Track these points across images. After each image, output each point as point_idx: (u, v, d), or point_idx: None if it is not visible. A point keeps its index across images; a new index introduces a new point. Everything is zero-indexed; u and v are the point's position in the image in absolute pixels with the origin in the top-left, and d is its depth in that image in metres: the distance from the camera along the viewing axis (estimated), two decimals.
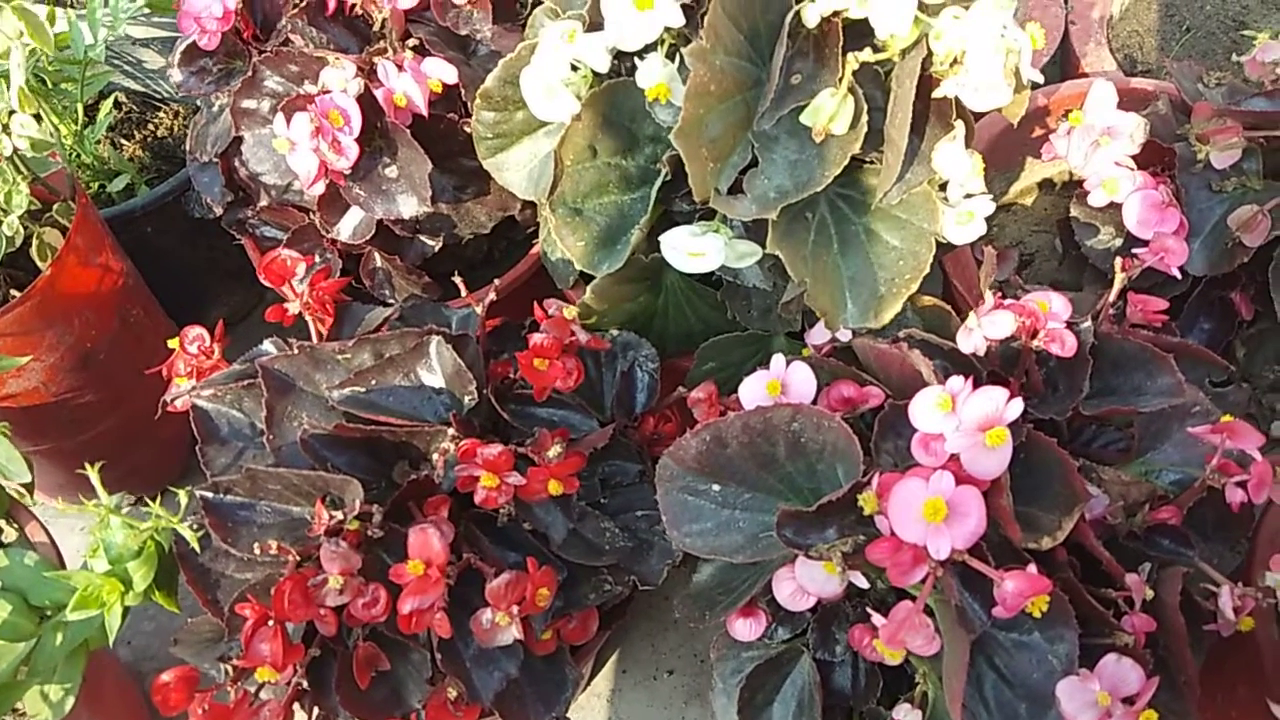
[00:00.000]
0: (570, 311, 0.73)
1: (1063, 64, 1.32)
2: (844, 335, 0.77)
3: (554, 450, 0.65)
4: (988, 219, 1.19)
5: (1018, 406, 0.61)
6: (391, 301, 1.01)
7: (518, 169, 0.85)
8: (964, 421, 0.60)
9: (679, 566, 0.77)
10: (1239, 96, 0.91)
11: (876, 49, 0.68)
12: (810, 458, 0.67)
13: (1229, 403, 0.79)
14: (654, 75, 0.69)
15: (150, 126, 1.31)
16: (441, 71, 0.87)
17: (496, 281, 0.80)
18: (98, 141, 1.18)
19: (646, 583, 0.75)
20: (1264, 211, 0.82)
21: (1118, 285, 0.75)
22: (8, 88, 0.84)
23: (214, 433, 0.76)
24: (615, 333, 0.82)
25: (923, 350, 0.72)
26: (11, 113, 0.85)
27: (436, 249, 0.99)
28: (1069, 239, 1.01)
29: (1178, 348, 0.72)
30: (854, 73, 0.68)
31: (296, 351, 0.73)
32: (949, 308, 0.79)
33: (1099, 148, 0.85)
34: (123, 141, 1.28)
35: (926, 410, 0.62)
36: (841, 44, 0.68)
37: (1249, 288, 0.88)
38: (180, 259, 1.23)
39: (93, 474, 0.69)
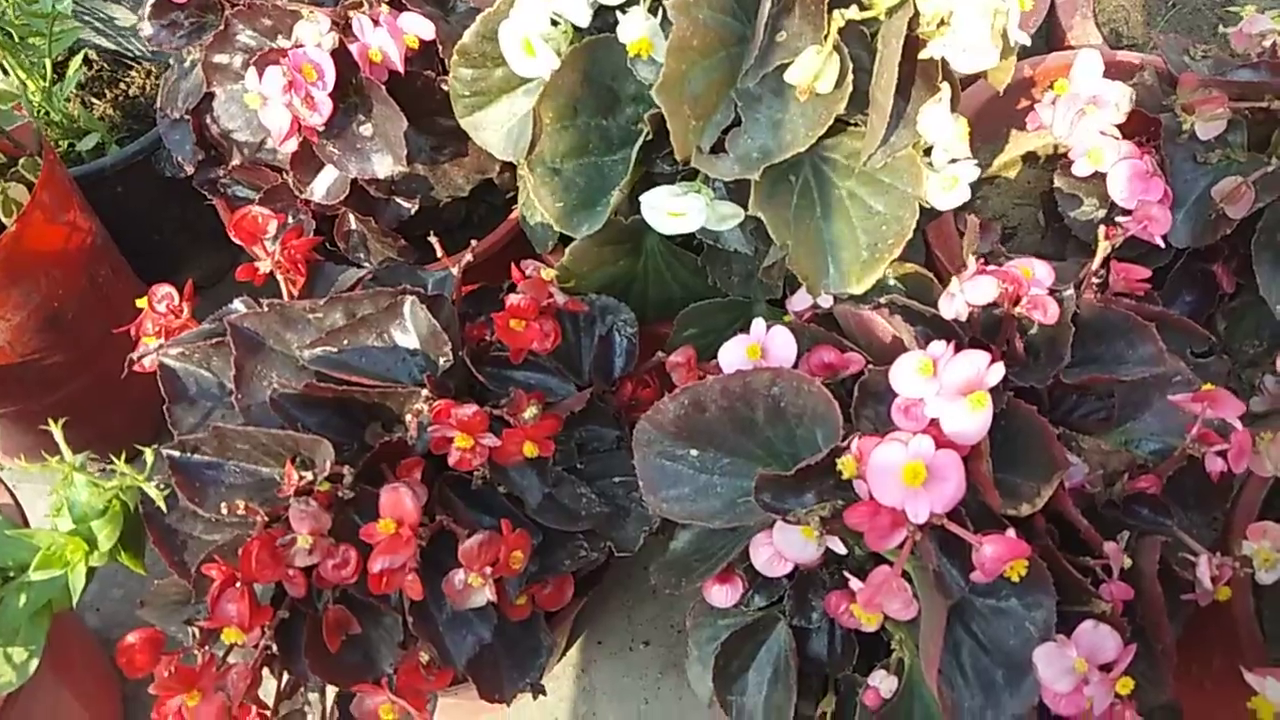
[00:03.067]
0: (548, 273, 0.72)
1: (1049, 37, 1.31)
2: (825, 302, 0.76)
3: (530, 412, 0.64)
4: (972, 189, 1.19)
5: (999, 371, 0.60)
6: (366, 265, 1.00)
7: (496, 128, 0.84)
8: (945, 385, 0.59)
9: (656, 534, 0.76)
10: (1225, 68, 0.91)
11: (863, 7, 0.67)
12: (790, 422, 0.66)
13: (1210, 373, 0.78)
14: (636, 29, 0.68)
15: (121, 85, 1.28)
16: (418, 27, 0.86)
17: (474, 243, 0.78)
18: (67, 99, 1.15)
19: (623, 549, 0.74)
20: (1248, 183, 0.81)
21: (1101, 253, 0.74)
22: None
23: (182, 392, 0.74)
24: (594, 296, 0.80)
25: (904, 316, 0.72)
26: None
27: (413, 212, 0.97)
28: (1052, 212, 1.00)
29: (1160, 317, 0.72)
30: (839, 31, 0.67)
31: (267, 309, 0.71)
32: (931, 275, 0.79)
33: (1084, 116, 0.84)
34: (93, 100, 1.25)
35: (908, 374, 0.62)
36: (827, 1, 0.66)
37: (1231, 260, 0.88)
38: (151, 220, 1.21)
39: (56, 430, 0.67)
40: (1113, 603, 0.63)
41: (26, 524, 0.79)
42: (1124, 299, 0.73)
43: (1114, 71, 1.11)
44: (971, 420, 0.59)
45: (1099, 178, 0.85)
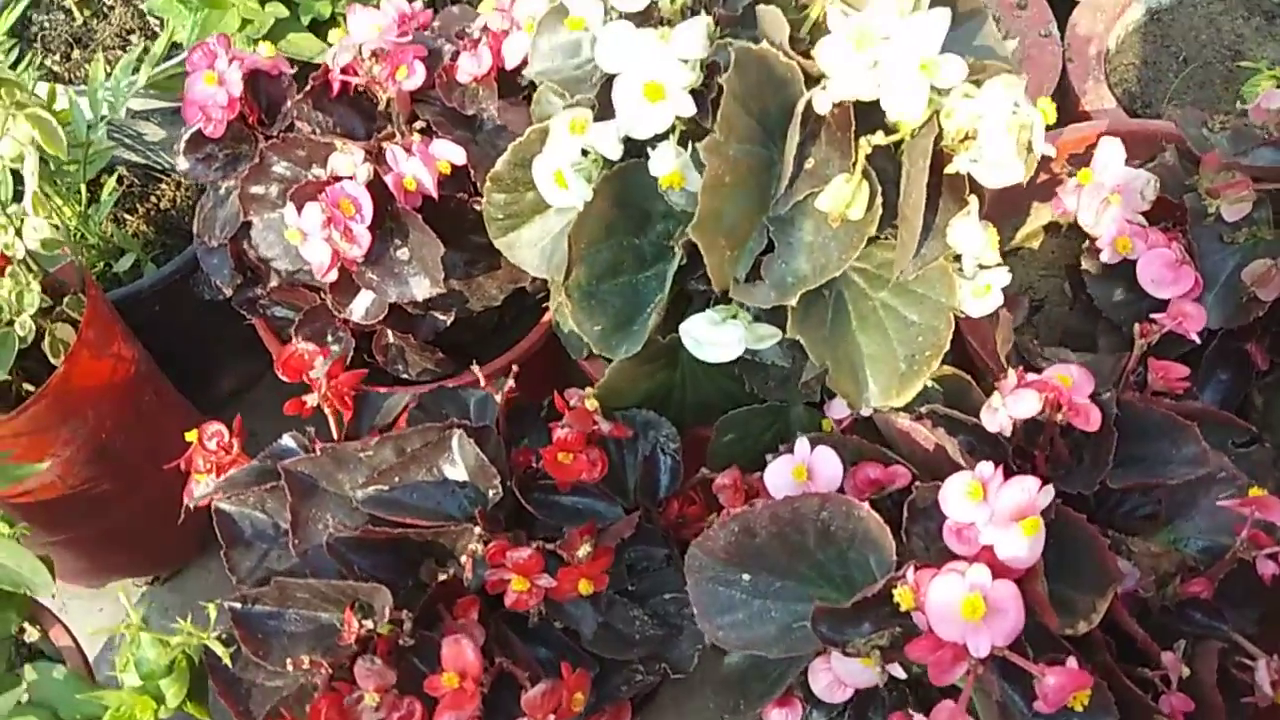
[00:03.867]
0: (592, 403, 0.73)
1: (1062, 102, 1.32)
2: (866, 410, 0.76)
3: (584, 550, 0.65)
4: None
5: (1050, 494, 0.61)
6: (406, 376, 1.02)
7: (530, 247, 0.85)
8: (996, 512, 0.60)
9: (709, 649, 0.77)
10: (1245, 145, 0.91)
11: (888, 131, 0.68)
12: (841, 545, 0.66)
13: (1252, 461, 0.78)
14: (668, 164, 0.69)
15: (153, 199, 1.30)
16: (450, 153, 0.87)
17: (514, 368, 0.79)
18: (101, 223, 1.17)
19: (678, 670, 0.74)
20: (1278, 265, 0.82)
21: (1137, 352, 0.75)
22: (14, 187, 0.84)
23: (238, 535, 0.75)
24: (635, 411, 0.81)
25: (946, 427, 0.73)
26: (24, 217, 0.84)
27: (449, 323, 0.99)
28: (1079, 285, 1.00)
29: (1201, 415, 0.72)
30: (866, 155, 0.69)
31: (319, 453, 0.72)
32: (968, 377, 0.79)
33: (1109, 206, 0.85)
34: (126, 216, 1.28)
35: (957, 498, 0.62)
36: (854, 128, 0.68)
37: (1264, 338, 0.88)
38: (188, 334, 1.23)
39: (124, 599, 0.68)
40: (1173, 715, 0.63)
41: (89, 667, 0.80)
42: (1163, 398, 0.73)
43: (1132, 141, 1.13)
44: (1025, 546, 0.60)
45: (1129, 263, 0.86)
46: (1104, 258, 0.87)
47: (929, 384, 0.81)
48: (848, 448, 0.74)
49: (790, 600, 0.68)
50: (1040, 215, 1.15)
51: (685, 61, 0.68)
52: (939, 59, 0.62)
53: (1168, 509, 0.72)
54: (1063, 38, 1.36)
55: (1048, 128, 1.14)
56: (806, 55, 0.69)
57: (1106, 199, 0.86)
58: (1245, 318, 0.84)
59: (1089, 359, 0.83)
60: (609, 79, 0.70)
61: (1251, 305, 0.84)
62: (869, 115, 0.68)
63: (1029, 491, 0.60)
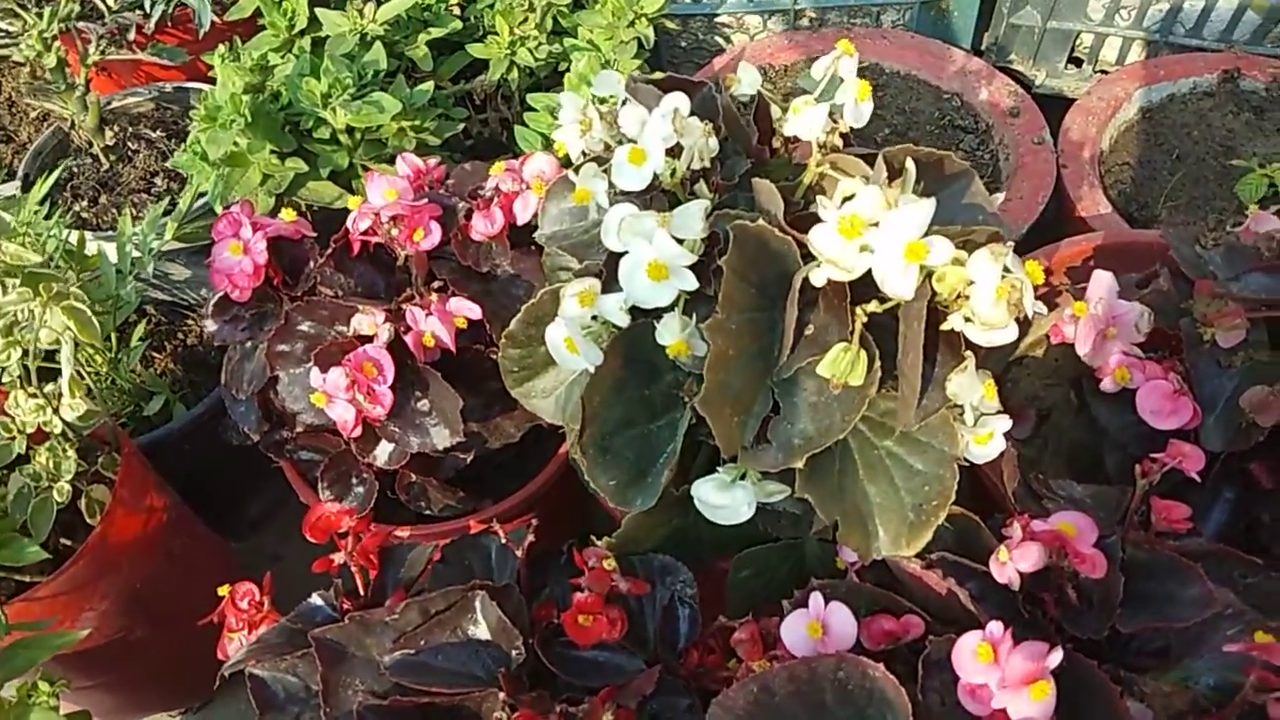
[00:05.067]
0: (610, 563, 0.75)
1: (1058, 208, 1.36)
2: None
3: (606, 717, 0.67)
4: (1001, 375, 1.22)
5: (1059, 656, 0.63)
6: (429, 512, 1.05)
7: (544, 396, 0.89)
8: (1007, 677, 0.61)
9: None
10: (1237, 269, 0.94)
11: (883, 299, 0.71)
12: (859, 704, 0.68)
13: (1260, 592, 0.80)
14: (673, 334, 0.73)
15: (180, 335, 1.35)
16: (467, 310, 0.91)
17: (534, 522, 0.82)
18: (132, 367, 1.22)
19: None
20: (1275, 392, 0.84)
21: (1139, 491, 0.77)
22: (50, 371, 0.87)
23: (271, 700, 0.78)
24: (652, 557, 0.84)
25: (956, 575, 0.75)
26: (60, 395, 0.88)
27: (469, 461, 1.02)
28: (1082, 395, 1.02)
29: (1205, 554, 0.74)
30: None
31: (348, 621, 0.75)
32: (977, 519, 0.81)
33: (1106, 340, 0.88)
34: (154, 354, 1.32)
35: (969, 659, 0.64)
36: (849, 299, 0.71)
37: (1268, 458, 0.90)
38: (219, 467, 1.26)
39: None
40: None
41: None
42: (1167, 538, 0.75)
43: (1129, 253, 1.16)
44: (1036, 710, 0.61)
45: (1129, 391, 0.88)
46: (1105, 387, 0.89)
47: (940, 525, 0.83)
48: (862, 596, 0.76)
49: None
50: (1041, 325, 1.17)
51: (684, 241, 0.72)
52: (926, 242, 0.65)
53: (1177, 647, 0.74)
54: (1056, 143, 1.40)
55: (1041, 226, 1.17)
56: (802, 222, 0.73)
57: (1104, 332, 0.88)
58: (1246, 442, 0.86)
59: (1095, 491, 0.85)
60: (615, 253, 0.74)
61: (1252, 431, 0.86)
62: (865, 283, 0.71)
63: (1038, 657, 0.61)
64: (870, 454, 0.78)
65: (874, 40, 1.57)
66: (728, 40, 1.68)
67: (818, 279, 0.69)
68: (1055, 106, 1.49)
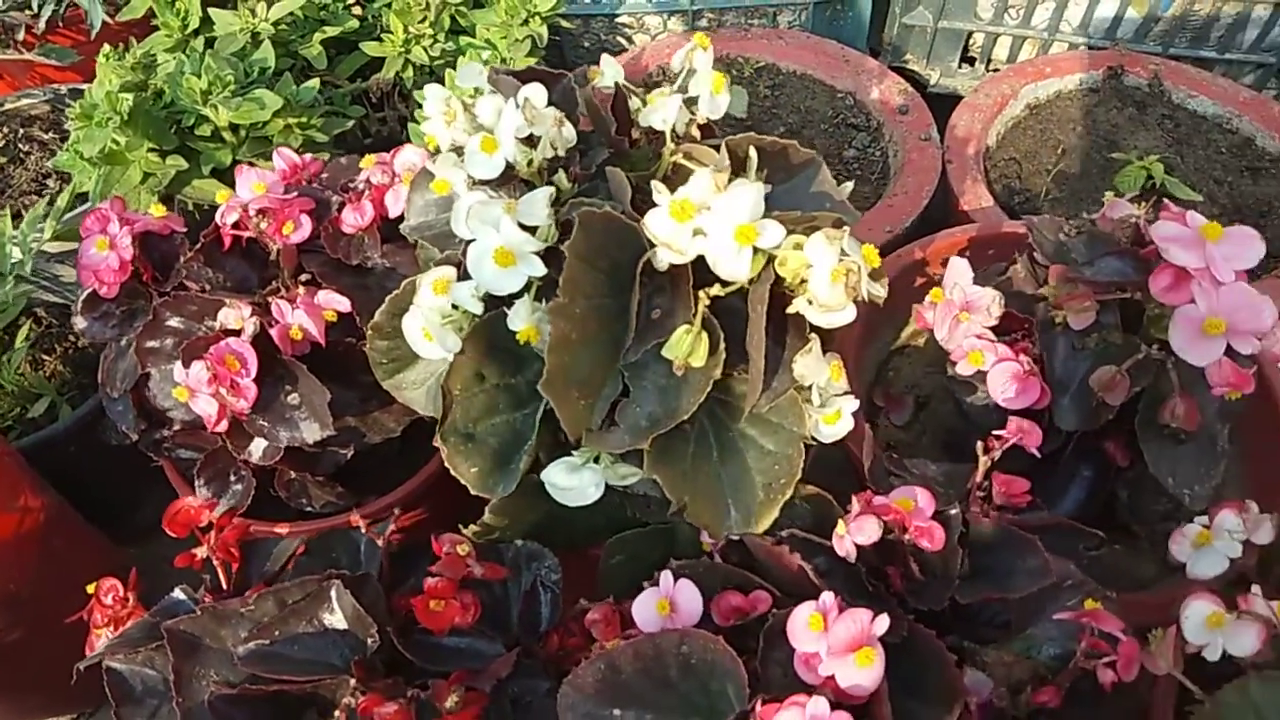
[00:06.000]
0: (464, 548, 0.76)
1: (943, 202, 1.39)
2: (732, 536, 0.80)
3: (451, 700, 0.67)
4: (884, 363, 1.25)
5: (884, 623, 0.65)
6: (310, 509, 1.04)
7: (416, 387, 0.89)
8: (832, 645, 0.63)
9: None
10: (1097, 251, 0.97)
11: (725, 283, 0.72)
12: (702, 677, 0.69)
13: (1104, 565, 0.82)
14: (523, 319, 0.74)
15: (70, 338, 1.33)
16: (335, 302, 0.91)
17: (397, 512, 0.83)
18: (18, 367, 1.20)
19: None
20: (1122, 372, 0.87)
21: (982, 468, 0.79)
22: None
23: (129, 693, 0.77)
24: (519, 544, 0.84)
25: (804, 550, 0.76)
26: None
27: (349, 456, 1.02)
28: (952, 381, 1.05)
29: (1043, 526, 0.77)
30: (714, 299, 0.73)
31: (200, 612, 0.75)
32: (830, 497, 0.83)
33: (960, 323, 0.90)
34: (43, 357, 1.30)
35: (802, 629, 0.66)
36: (692, 281, 0.72)
37: (1121, 436, 0.93)
38: (104, 472, 1.24)
39: None
40: None
41: None
42: (1007, 512, 0.78)
43: (1003, 243, 1.19)
44: (862, 675, 0.63)
45: (983, 374, 0.91)
46: (960, 370, 0.92)
47: (799, 503, 0.85)
48: (717, 575, 0.77)
49: None
50: (920, 317, 1.21)
51: (532, 228, 0.73)
52: (757, 225, 0.67)
53: (1019, 618, 0.76)
54: (943, 139, 1.44)
55: (928, 231, 1.20)
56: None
57: (957, 316, 0.91)
58: (1097, 421, 0.89)
59: (949, 469, 0.88)
60: (466, 241, 0.75)
61: (1101, 409, 0.89)
62: (709, 267, 0.73)
63: (861, 623, 0.63)
64: (725, 436, 0.80)
65: (771, 41, 1.60)
66: (630, 41, 1.70)
67: (660, 263, 0.71)
68: (950, 105, 1.52)
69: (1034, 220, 1.04)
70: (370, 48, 1.44)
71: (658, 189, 0.69)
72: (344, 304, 0.91)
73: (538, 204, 0.72)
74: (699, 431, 0.79)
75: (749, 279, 0.74)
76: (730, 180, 0.70)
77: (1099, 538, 0.82)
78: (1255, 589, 0.70)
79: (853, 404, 0.80)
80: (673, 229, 0.67)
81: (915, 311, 0.99)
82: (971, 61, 1.69)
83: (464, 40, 1.44)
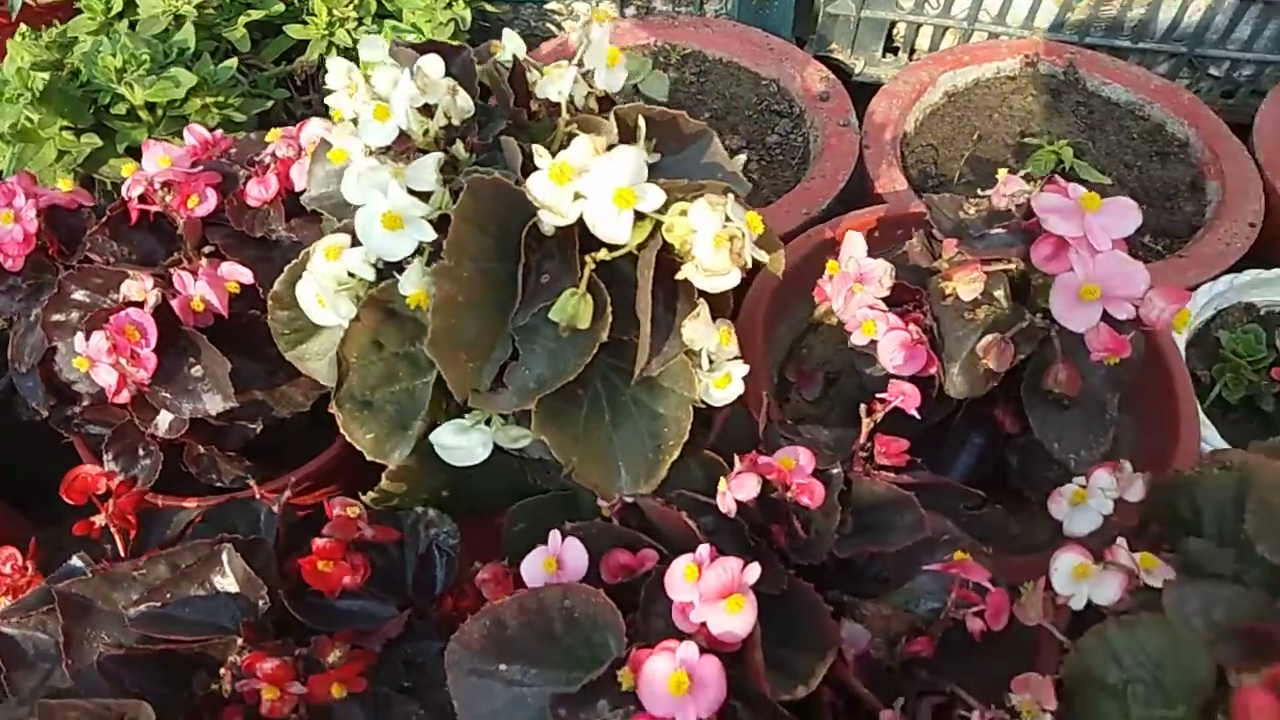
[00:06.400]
0: (354, 510, 0.77)
1: (860, 186, 1.42)
2: (625, 498, 0.82)
3: (334, 656, 0.69)
4: (797, 340, 1.27)
5: (755, 571, 0.67)
6: (220, 484, 1.05)
7: (319, 359, 0.90)
8: (703, 592, 0.65)
9: None
10: (988, 226, 1.00)
11: (611, 249, 0.74)
12: (586, 630, 0.71)
13: (985, 523, 0.85)
14: (413, 284, 0.75)
15: None
16: (238, 274, 0.92)
17: (291, 478, 0.83)
18: None
19: None
20: (1006, 339, 0.90)
21: (865, 430, 0.82)
22: None
23: (20, 658, 0.77)
24: (418, 511, 0.86)
25: (692, 508, 0.78)
26: None
27: (259, 430, 1.02)
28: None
29: (921, 485, 0.79)
30: (603, 264, 0.75)
31: (91, 575, 0.75)
32: (722, 460, 0.85)
33: (854, 295, 0.93)
34: None
35: (679, 580, 0.67)
36: (578, 246, 0.74)
37: (1010, 404, 0.96)
38: (20, 449, 1.23)
39: None
40: None
41: None
42: (886, 471, 0.80)
43: (909, 223, 1.22)
44: (733, 622, 0.65)
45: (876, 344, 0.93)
46: (855, 340, 0.94)
47: (694, 467, 0.87)
48: (610, 536, 0.79)
49: (546, 685, 0.72)
50: None
51: (421, 194, 0.74)
52: (637, 188, 0.69)
53: (897, 572, 0.78)
54: (862, 126, 1.47)
55: (840, 210, 1.23)
56: None
57: (851, 288, 0.93)
58: (983, 387, 0.92)
59: (839, 434, 0.90)
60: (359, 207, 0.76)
61: (987, 376, 0.92)
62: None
63: (731, 572, 0.65)
64: (618, 401, 0.81)
65: (698, 29, 1.62)
66: (559, 27, 1.72)
67: (546, 227, 0.73)
68: (874, 94, 1.55)
69: (934, 198, 1.07)
70: (294, 30, 1.45)
71: (539, 153, 0.70)
72: (246, 275, 0.92)
73: (426, 169, 0.73)
74: (593, 395, 0.81)
75: (637, 245, 0.75)
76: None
77: (979, 497, 0.84)
78: (1120, 540, 0.73)
79: (743, 369, 0.82)
80: (553, 191, 0.69)
81: (818, 287, 1.02)
82: (895, 51, 1.73)
83: (389, 24, 1.44)
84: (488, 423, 0.78)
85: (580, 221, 0.73)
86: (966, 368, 0.93)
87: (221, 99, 1.25)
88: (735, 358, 0.82)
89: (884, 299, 0.96)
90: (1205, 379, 1.23)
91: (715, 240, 0.73)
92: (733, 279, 0.75)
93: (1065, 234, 0.84)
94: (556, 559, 0.74)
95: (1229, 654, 0.55)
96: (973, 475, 0.97)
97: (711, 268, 0.74)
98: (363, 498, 0.85)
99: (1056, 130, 1.50)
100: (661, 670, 0.62)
